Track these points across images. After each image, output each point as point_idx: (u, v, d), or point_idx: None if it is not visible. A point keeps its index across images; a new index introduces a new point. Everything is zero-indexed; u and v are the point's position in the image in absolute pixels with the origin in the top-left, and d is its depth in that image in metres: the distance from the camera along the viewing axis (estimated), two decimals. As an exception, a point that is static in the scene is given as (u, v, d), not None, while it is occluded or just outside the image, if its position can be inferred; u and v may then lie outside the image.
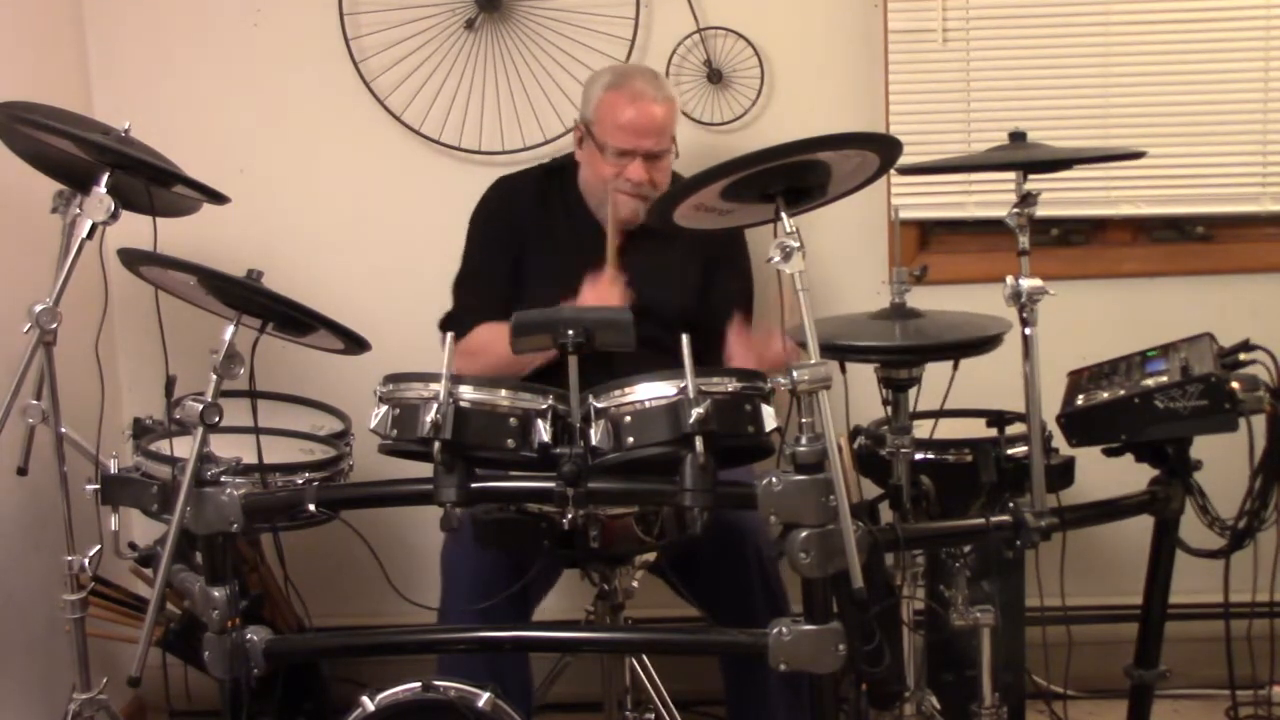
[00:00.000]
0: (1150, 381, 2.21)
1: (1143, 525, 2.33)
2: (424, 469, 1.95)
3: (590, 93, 2.74)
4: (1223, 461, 2.25)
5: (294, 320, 2.12)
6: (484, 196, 2.85)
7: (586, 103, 2.74)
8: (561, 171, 2.85)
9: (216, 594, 2.03)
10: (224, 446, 2.09)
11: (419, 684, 1.99)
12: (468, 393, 1.91)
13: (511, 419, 1.92)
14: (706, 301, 2.78)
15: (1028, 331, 2.08)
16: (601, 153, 2.67)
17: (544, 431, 1.92)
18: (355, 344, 2.18)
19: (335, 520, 2.27)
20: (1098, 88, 3.02)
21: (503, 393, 1.93)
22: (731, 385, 1.89)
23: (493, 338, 2.53)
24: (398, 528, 2.80)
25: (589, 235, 2.73)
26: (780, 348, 2.09)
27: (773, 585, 2.46)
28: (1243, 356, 2.23)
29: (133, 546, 2.49)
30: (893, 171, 2.17)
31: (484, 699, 1.96)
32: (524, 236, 2.78)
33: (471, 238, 2.83)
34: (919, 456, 2.40)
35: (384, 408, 1.96)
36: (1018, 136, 2.28)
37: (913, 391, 2.32)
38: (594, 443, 1.90)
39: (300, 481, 2.39)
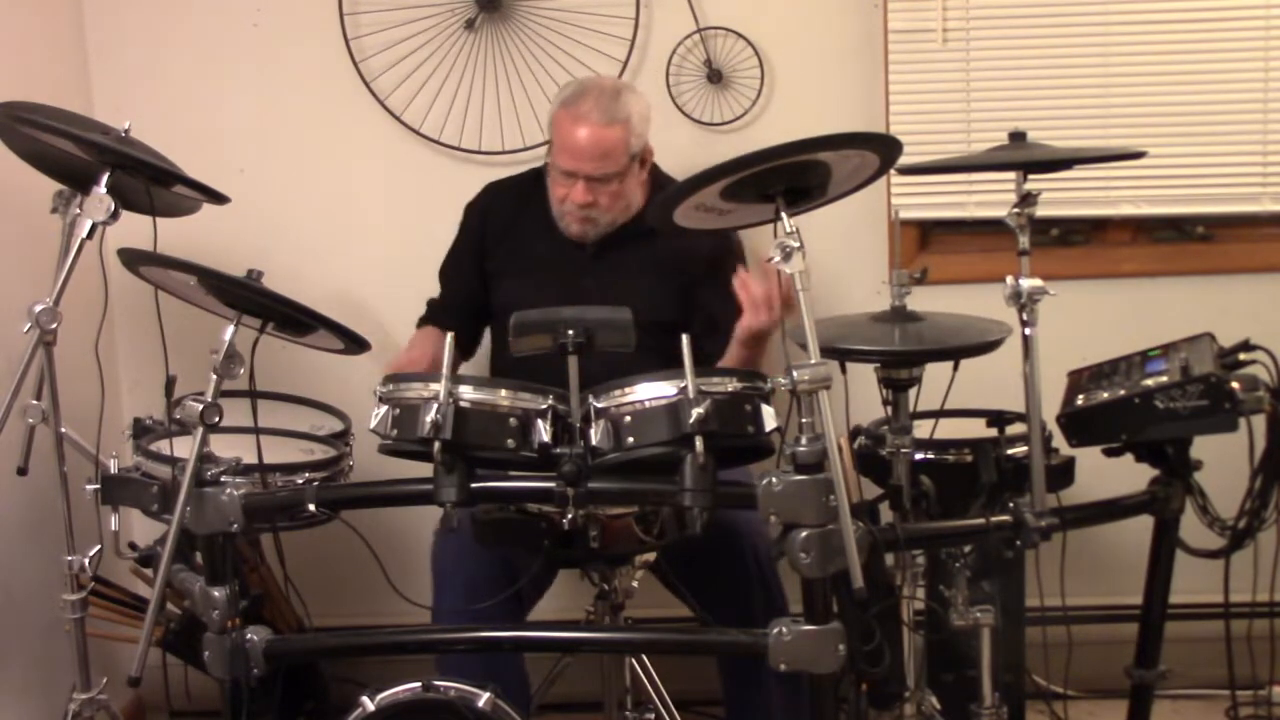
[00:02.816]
0: (1150, 381, 2.21)
1: (1143, 525, 2.33)
2: (424, 469, 1.95)
3: (553, 105, 2.71)
4: (1223, 461, 2.25)
5: (294, 320, 2.11)
6: (474, 198, 2.89)
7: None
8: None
9: (216, 594, 2.03)
10: (224, 446, 2.09)
11: (419, 684, 1.99)
12: (468, 393, 1.91)
13: (511, 419, 1.92)
14: (692, 306, 2.71)
15: (1028, 331, 2.08)
16: (553, 168, 2.67)
17: (544, 431, 1.92)
18: (355, 344, 2.18)
19: (335, 520, 2.27)
20: (1098, 88, 3.01)
21: (503, 393, 1.93)
22: (731, 385, 1.89)
23: (416, 355, 2.65)
24: (398, 528, 2.80)
25: (560, 242, 2.72)
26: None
27: (770, 585, 2.46)
28: (1243, 356, 2.23)
29: (133, 546, 2.49)
30: (893, 171, 2.17)
31: (484, 699, 1.96)
32: (495, 242, 2.80)
33: (457, 237, 2.89)
34: (919, 456, 2.40)
35: (384, 408, 1.96)
36: (1018, 136, 2.28)
37: (913, 391, 2.32)
38: (594, 443, 1.90)
39: (300, 481, 2.39)
